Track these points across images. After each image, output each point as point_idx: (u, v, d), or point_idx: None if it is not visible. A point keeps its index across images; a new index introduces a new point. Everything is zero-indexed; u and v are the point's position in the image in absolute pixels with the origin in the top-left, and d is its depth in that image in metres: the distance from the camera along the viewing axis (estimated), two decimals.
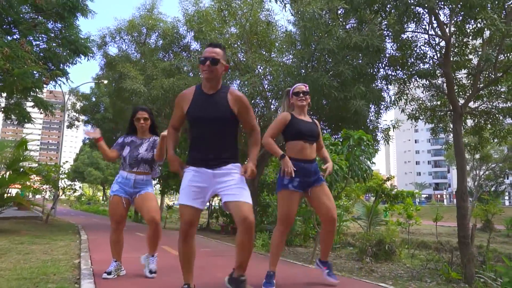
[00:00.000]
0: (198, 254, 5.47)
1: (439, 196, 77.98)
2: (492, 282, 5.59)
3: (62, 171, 12.47)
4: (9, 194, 8.68)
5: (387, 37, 9.36)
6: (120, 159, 3.81)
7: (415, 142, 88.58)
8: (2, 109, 13.66)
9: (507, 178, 46.59)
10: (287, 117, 3.46)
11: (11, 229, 8.90)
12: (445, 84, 9.52)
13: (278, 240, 3.42)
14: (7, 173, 8.59)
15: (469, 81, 9.99)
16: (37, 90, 12.70)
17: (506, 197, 58.52)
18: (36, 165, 10.30)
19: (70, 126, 23.97)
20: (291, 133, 3.43)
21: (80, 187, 49.57)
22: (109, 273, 3.53)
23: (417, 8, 8.64)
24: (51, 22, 13.32)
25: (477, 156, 25.21)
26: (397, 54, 9.68)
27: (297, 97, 3.52)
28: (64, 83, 13.62)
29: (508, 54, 8.88)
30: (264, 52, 10.98)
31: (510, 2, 8.25)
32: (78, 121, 24.61)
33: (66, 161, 17.74)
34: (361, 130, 6.02)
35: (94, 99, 23.28)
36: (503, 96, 9.80)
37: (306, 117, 3.57)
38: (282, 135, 3.54)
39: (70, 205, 45.67)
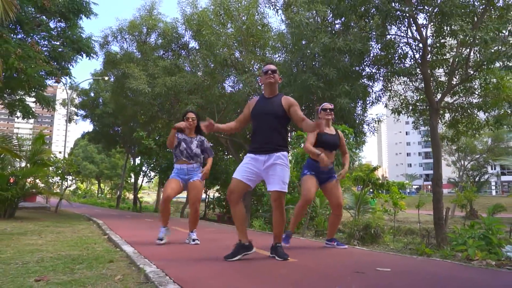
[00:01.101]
0: (207, 232, 6.41)
1: (429, 186, 79.29)
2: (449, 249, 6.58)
3: (69, 164, 13.23)
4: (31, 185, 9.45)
5: (371, 39, 10.22)
6: (174, 153, 4.77)
7: (406, 134, 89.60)
8: (7, 105, 14.26)
9: (494, 169, 47.90)
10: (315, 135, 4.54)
11: (29, 217, 9.72)
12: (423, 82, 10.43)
13: (298, 211, 4.55)
14: (28, 165, 9.38)
15: (446, 79, 10.93)
16: (42, 87, 13.36)
17: (493, 187, 60.18)
18: (52, 157, 11.04)
19: (69, 120, 24.59)
20: (317, 142, 4.50)
21: (75, 180, 49.91)
22: (161, 239, 4.51)
23: (397, 12, 9.52)
24: (54, 21, 13.91)
25: (457, 146, 26.32)
26: (381, 53, 10.56)
27: (325, 112, 4.64)
28: (73, 81, 14.27)
29: (479, 54, 9.82)
30: (258, 52, 11.78)
31: (481, 8, 9.15)
32: (77, 116, 25.26)
33: (73, 155, 18.26)
34: (344, 124, 6.91)
35: (93, 95, 23.90)
36: (476, 93, 10.75)
37: (331, 129, 4.67)
38: None
39: (67, 198, 46.13)
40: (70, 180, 14.12)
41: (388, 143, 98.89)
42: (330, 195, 4.59)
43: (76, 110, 24.92)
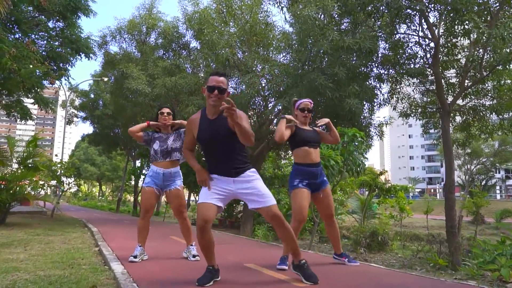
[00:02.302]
0: None
1: (432, 190, 78.89)
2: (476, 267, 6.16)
3: (66, 167, 12.84)
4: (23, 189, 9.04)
5: (380, 38, 9.80)
6: (150, 153, 4.30)
7: (409, 137, 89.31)
8: (4, 106, 13.92)
9: (499, 173, 47.45)
10: (292, 128, 3.91)
11: (22, 223, 9.31)
12: (434, 83, 10.00)
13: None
14: (19, 169, 8.98)
15: (457, 80, 10.48)
16: (39, 89, 13.02)
17: (498, 191, 59.53)
18: (45, 160, 10.63)
19: (69, 122, 24.29)
20: (296, 140, 3.91)
21: (77, 183, 49.57)
22: (135, 257, 3.98)
23: (408, 10, 9.10)
24: (53, 21, 13.60)
25: (468, 150, 25.88)
26: (389, 53, 10.13)
27: (302, 113, 3.96)
28: (68, 82, 13.94)
29: (493, 54, 9.38)
30: (262, 52, 11.36)
31: (494, 6, 8.72)
32: (77, 118, 24.91)
33: (72, 159, 17.93)
34: (355, 127, 6.48)
35: (92, 96, 23.53)
36: (489, 95, 10.29)
37: (307, 127, 4.03)
38: (289, 143, 4.01)
39: (68, 201, 45.87)
40: (68, 183, 13.68)
41: (391, 146, 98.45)
42: (321, 205, 4.02)
43: (76, 111, 24.56)
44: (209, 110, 2.99)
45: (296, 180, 3.84)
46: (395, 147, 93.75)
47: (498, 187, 57.86)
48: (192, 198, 22.28)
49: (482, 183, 31.76)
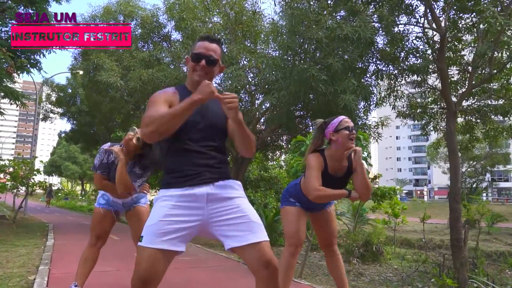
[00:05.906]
0: (177, 265, 4.87)
1: (419, 192, 79.37)
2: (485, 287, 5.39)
3: (31, 167, 11.62)
4: None
5: (379, 30, 8.95)
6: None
7: (397, 138, 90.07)
8: None
9: (485, 175, 47.64)
10: (322, 162, 2.81)
11: None
12: (437, 80, 9.21)
13: (288, 262, 2.93)
14: None
15: (461, 78, 9.71)
16: (7, 80, 11.92)
17: (484, 194, 59.89)
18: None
19: (45, 118, 23.07)
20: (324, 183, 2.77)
21: (57, 181, 47.86)
22: None
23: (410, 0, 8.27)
24: (21, 6, 12.52)
25: (473, 155, 25.58)
26: (387, 48, 9.29)
27: (348, 133, 2.79)
28: (39, 73, 12.87)
29: (503, 51, 8.60)
30: (249, 44, 10.44)
31: None
32: (54, 114, 23.64)
33: (36, 157, 16.84)
34: (359, 130, 5.56)
35: (70, 91, 22.27)
36: (493, 94, 9.56)
37: (340, 164, 2.90)
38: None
39: (46, 202, 44.18)
40: (34, 184, 12.35)
41: (378, 147, 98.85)
42: (322, 229, 3.10)
43: (52, 107, 23.25)
44: (193, 86, 1.92)
45: (292, 198, 3.07)
46: (382, 148, 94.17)
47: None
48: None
49: (473, 186, 31.50)
